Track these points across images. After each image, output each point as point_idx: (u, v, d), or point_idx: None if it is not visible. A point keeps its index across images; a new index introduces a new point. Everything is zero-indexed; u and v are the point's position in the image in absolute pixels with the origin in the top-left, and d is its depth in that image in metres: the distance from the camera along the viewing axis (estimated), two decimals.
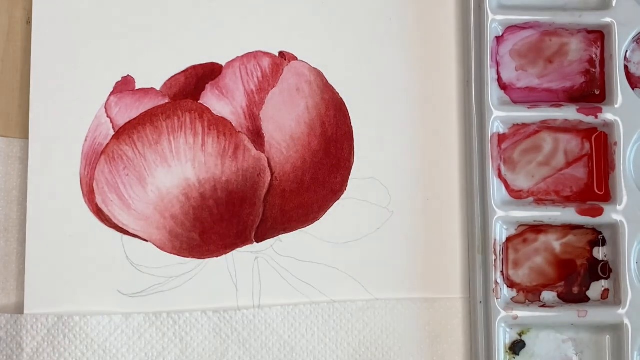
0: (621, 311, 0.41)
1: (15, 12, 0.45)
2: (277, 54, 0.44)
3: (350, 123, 0.44)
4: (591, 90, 0.44)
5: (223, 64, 0.44)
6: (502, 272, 0.42)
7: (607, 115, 0.42)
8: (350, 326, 0.43)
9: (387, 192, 0.44)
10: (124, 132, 0.43)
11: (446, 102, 0.44)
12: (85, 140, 0.43)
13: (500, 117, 0.42)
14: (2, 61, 0.44)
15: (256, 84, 0.44)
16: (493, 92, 0.43)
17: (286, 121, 0.43)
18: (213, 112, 0.43)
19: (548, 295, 0.43)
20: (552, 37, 0.44)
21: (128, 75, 0.44)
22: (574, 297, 0.43)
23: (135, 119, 0.43)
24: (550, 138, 0.44)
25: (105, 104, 0.43)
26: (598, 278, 0.43)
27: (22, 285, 0.43)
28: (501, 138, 0.43)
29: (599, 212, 0.42)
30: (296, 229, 0.43)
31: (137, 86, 0.44)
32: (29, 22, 0.44)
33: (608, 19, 0.43)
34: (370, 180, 0.44)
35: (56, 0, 0.44)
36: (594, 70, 0.44)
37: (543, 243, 0.43)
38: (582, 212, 0.42)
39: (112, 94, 0.44)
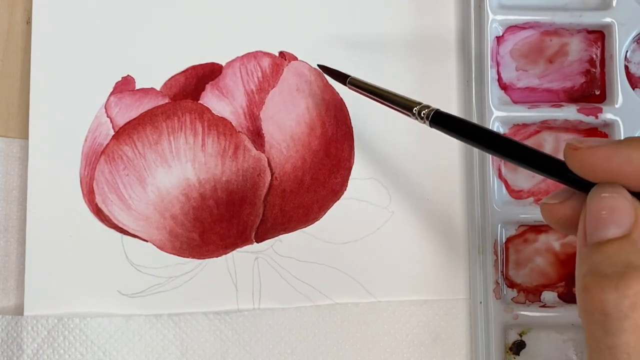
0: None
1: (15, 12, 0.45)
2: (277, 54, 0.44)
3: (350, 123, 0.44)
4: (591, 90, 0.44)
5: (223, 64, 0.44)
6: (502, 272, 0.42)
7: (608, 115, 0.42)
8: (352, 328, 0.43)
9: (387, 192, 0.44)
10: (124, 132, 0.43)
11: (446, 102, 0.44)
12: (85, 140, 0.43)
13: (501, 117, 0.42)
14: (2, 61, 0.44)
15: (256, 84, 0.44)
16: (493, 92, 0.43)
17: (286, 121, 0.43)
18: (213, 112, 0.43)
19: (548, 296, 0.43)
20: (552, 37, 0.44)
21: (128, 75, 0.44)
22: (575, 297, 0.42)
23: (135, 119, 0.43)
24: (551, 138, 0.44)
25: (105, 104, 0.43)
26: None
27: (22, 286, 0.43)
28: None
29: None
30: (296, 229, 0.43)
31: (137, 86, 0.44)
32: (29, 22, 0.44)
33: (608, 19, 0.43)
34: (370, 180, 0.44)
35: (56, 0, 0.44)
36: (594, 70, 0.44)
37: (543, 243, 0.43)
38: None
39: (112, 94, 0.44)
